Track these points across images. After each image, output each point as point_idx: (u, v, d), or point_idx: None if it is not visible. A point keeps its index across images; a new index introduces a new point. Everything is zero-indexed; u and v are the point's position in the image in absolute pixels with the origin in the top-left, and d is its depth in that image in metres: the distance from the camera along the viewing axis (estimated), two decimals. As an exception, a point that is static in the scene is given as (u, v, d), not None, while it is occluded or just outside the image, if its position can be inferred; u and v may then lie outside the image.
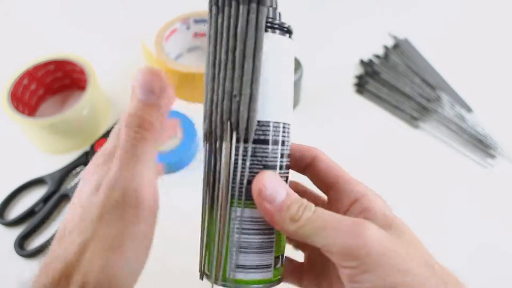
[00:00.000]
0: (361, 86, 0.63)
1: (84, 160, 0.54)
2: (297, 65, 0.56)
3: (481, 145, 0.57)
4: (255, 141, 0.24)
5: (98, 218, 0.20)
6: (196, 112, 0.53)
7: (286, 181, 0.26)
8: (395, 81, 0.63)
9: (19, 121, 0.51)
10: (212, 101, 0.25)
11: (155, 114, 0.21)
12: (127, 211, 0.20)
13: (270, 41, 0.24)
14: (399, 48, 0.68)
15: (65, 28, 0.73)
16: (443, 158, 0.56)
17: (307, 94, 0.60)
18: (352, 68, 0.66)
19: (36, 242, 0.48)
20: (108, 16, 0.74)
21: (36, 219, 0.49)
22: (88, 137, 0.56)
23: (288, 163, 0.26)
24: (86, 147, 0.55)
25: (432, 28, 0.72)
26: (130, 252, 0.20)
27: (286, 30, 0.25)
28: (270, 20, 0.24)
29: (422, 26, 0.72)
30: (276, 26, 0.25)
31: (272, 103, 0.25)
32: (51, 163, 0.54)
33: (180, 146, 0.53)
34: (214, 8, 0.25)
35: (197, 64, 0.66)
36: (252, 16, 0.23)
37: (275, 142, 0.25)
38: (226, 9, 0.24)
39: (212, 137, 0.25)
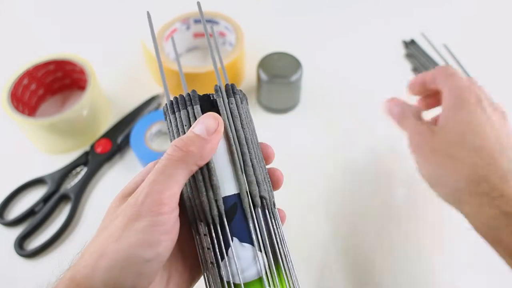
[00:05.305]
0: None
1: (84, 160, 0.54)
2: (297, 65, 0.56)
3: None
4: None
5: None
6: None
7: None
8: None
9: (19, 121, 0.51)
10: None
11: (199, 145, 0.24)
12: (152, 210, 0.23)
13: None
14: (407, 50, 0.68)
15: (65, 28, 0.73)
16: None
17: (307, 94, 0.60)
18: (351, 68, 0.66)
19: (36, 242, 0.48)
20: (108, 16, 0.74)
21: (36, 219, 0.49)
22: (88, 137, 0.56)
23: None
24: (86, 147, 0.55)
25: (435, 31, 0.72)
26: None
27: None
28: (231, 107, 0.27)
29: (419, 30, 0.72)
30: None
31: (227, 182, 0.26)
32: (51, 163, 0.54)
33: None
34: (165, 111, 0.29)
35: (197, 64, 0.66)
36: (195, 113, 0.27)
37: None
38: (172, 116, 0.28)
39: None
